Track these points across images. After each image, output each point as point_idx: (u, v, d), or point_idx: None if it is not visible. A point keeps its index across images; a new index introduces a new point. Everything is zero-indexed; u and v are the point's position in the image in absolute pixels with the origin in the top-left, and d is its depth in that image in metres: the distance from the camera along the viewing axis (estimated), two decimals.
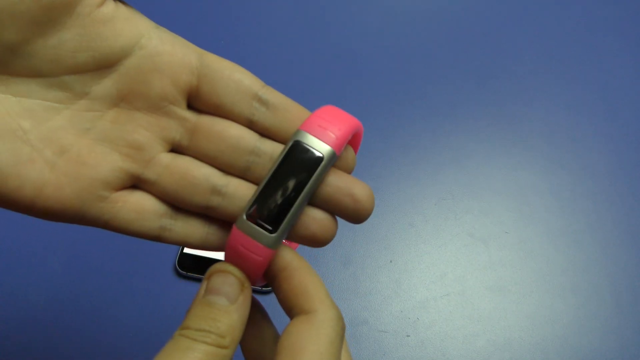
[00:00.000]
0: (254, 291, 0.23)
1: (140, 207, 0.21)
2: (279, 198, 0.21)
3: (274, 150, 0.22)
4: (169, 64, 0.21)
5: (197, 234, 0.22)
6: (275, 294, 0.22)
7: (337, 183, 0.22)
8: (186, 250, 0.42)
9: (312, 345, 0.19)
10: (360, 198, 0.21)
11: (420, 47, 0.56)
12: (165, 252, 0.43)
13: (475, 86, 0.53)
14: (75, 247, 0.43)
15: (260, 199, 0.21)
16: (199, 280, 0.41)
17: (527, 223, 0.45)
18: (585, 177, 0.48)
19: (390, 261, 0.43)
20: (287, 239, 0.22)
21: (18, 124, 0.19)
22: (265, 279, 0.22)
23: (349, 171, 0.23)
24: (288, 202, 0.20)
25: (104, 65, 0.20)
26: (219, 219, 0.22)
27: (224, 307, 0.20)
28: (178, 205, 0.22)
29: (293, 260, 0.22)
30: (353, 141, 0.24)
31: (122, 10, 0.20)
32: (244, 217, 0.21)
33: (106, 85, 0.20)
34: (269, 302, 0.25)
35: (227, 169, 0.22)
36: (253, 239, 0.20)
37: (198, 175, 0.22)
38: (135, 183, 0.22)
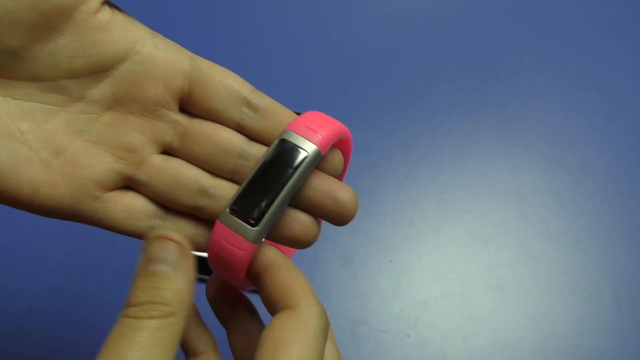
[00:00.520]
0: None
1: (131, 207, 0.22)
2: (262, 192, 0.21)
3: (261, 153, 0.23)
4: (163, 69, 0.22)
5: (184, 235, 0.22)
6: (259, 292, 0.22)
7: (321, 186, 0.22)
8: None
9: (296, 338, 0.19)
10: (344, 201, 0.22)
11: (420, 47, 0.56)
12: None
13: (475, 86, 0.53)
14: (73, 246, 0.43)
15: (245, 194, 0.21)
16: (199, 280, 0.41)
17: (527, 223, 0.45)
18: (585, 177, 0.48)
19: (390, 261, 0.43)
20: (271, 239, 0.23)
21: (16, 125, 0.20)
22: (249, 277, 0.22)
23: (334, 174, 0.23)
24: (271, 197, 0.21)
25: (99, 70, 0.21)
26: (207, 221, 0.23)
27: (165, 274, 0.19)
28: (168, 205, 0.23)
29: (276, 257, 0.22)
30: (343, 148, 0.25)
31: (119, 17, 0.21)
32: (227, 210, 0.21)
33: (102, 89, 0.21)
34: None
35: (215, 171, 0.23)
36: (235, 233, 0.21)
37: (187, 177, 0.22)
38: (128, 184, 0.23)
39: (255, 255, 0.22)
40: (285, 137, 0.22)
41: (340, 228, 0.44)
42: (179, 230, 0.23)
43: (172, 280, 0.19)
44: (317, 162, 0.22)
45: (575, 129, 0.50)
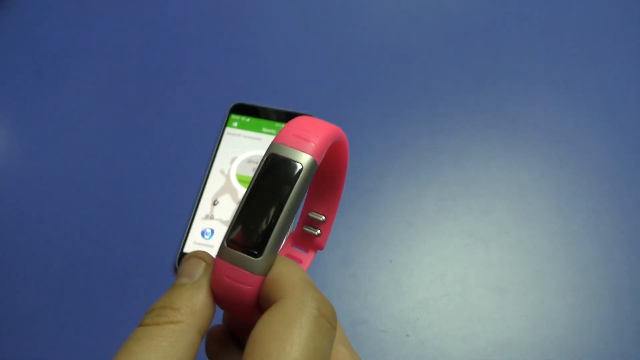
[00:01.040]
0: None
1: None
2: (260, 217, 0.19)
3: None
4: None
5: None
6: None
7: None
8: (186, 249, 0.42)
9: (274, 334, 0.16)
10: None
11: (420, 47, 0.56)
12: (165, 251, 0.43)
13: (475, 86, 0.53)
14: (74, 246, 0.43)
15: (240, 222, 0.19)
16: None
17: (527, 223, 0.45)
18: (585, 177, 0.48)
19: (390, 261, 0.43)
20: None
21: None
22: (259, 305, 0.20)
23: None
24: (271, 220, 0.19)
25: None
26: None
27: (184, 285, 0.19)
28: None
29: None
30: (339, 151, 0.23)
31: None
32: (225, 244, 0.19)
33: None
34: None
35: None
36: (238, 267, 0.19)
37: None
38: None
39: None
40: (274, 151, 0.19)
41: (340, 228, 0.44)
42: None
43: (188, 290, 0.19)
44: (314, 171, 0.20)
45: (575, 129, 0.50)
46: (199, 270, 0.20)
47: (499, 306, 0.42)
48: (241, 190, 0.46)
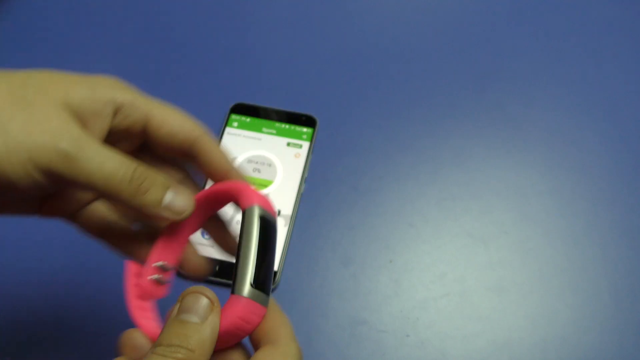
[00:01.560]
0: None
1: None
2: (268, 264, 0.24)
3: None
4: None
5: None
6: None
7: None
8: None
9: None
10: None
11: (420, 47, 0.56)
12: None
13: (475, 86, 0.53)
14: (74, 246, 0.43)
15: (258, 268, 0.23)
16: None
17: (527, 223, 0.45)
18: (585, 177, 0.48)
19: (390, 261, 0.43)
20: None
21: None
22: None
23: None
24: (272, 265, 0.25)
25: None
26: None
27: (195, 325, 0.21)
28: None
29: (271, 303, 0.25)
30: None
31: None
32: (251, 287, 0.23)
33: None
34: None
35: None
36: (259, 304, 0.23)
37: None
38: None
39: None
40: (262, 214, 0.25)
41: (340, 228, 0.44)
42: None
43: (199, 331, 0.21)
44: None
45: (575, 129, 0.50)
46: (206, 309, 0.22)
47: (499, 306, 0.42)
48: None
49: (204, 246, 0.43)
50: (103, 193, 0.24)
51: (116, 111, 0.26)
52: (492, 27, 0.57)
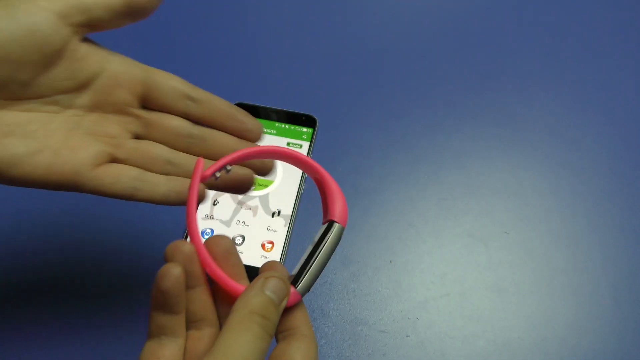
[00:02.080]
0: None
1: (117, 173, 0.30)
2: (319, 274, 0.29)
3: (204, 132, 0.32)
4: (125, 80, 0.30)
5: (159, 193, 0.30)
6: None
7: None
8: None
9: (300, 355, 0.26)
10: (265, 161, 0.33)
11: (420, 47, 0.56)
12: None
13: (476, 86, 0.53)
14: (73, 246, 0.43)
15: (316, 276, 0.28)
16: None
17: (527, 223, 0.45)
18: (586, 177, 0.48)
19: (390, 261, 0.43)
20: (216, 188, 0.31)
21: (27, 128, 0.28)
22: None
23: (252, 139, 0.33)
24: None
25: (82, 86, 0.30)
26: (175, 185, 0.31)
27: (276, 305, 0.25)
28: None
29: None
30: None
31: (91, 47, 0.30)
32: (306, 289, 0.28)
33: (84, 98, 0.30)
34: None
35: (174, 148, 0.31)
36: (299, 297, 0.28)
37: (155, 152, 0.31)
38: (112, 160, 0.30)
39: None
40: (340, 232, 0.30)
41: None
42: (155, 190, 0.30)
43: (278, 311, 0.26)
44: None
45: (576, 129, 0.50)
46: (284, 294, 0.26)
47: (499, 306, 0.42)
48: None
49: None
50: None
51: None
52: (492, 27, 0.57)
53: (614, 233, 0.45)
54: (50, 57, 0.27)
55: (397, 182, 0.47)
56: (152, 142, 0.31)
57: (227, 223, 0.44)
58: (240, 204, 0.45)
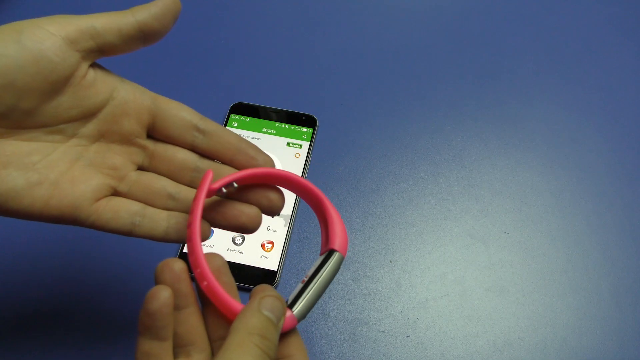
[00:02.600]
0: None
1: (116, 208, 0.29)
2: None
3: (211, 166, 0.30)
4: (133, 108, 0.29)
5: (158, 230, 0.29)
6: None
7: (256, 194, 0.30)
8: (185, 249, 0.42)
9: None
10: (273, 200, 0.30)
11: (420, 47, 0.56)
12: (164, 252, 0.43)
13: (476, 86, 0.53)
14: (73, 246, 0.43)
15: (313, 302, 0.28)
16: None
17: (527, 223, 0.45)
18: (586, 177, 0.48)
19: (390, 261, 0.43)
20: (217, 226, 0.30)
21: (28, 159, 0.27)
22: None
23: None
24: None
25: (88, 115, 0.28)
26: (176, 222, 0.30)
27: (275, 324, 0.25)
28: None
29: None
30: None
31: (99, 73, 0.28)
32: (302, 315, 0.27)
33: (89, 127, 0.28)
34: None
35: (178, 181, 0.30)
36: (296, 322, 0.27)
37: (158, 185, 0.30)
38: (114, 193, 0.29)
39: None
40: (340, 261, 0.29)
41: None
42: (154, 227, 0.29)
43: (277, 331, 0.25)
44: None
45: (576, 129, 0.50)
46: (281, 314, 0.26)
47: (499, 306, 0.42)
48: None
49: (203, 245, 0.43)
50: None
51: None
52: (492, 26, 0.57)
53: (614, 233, 0.45)
54: (57, 84, 0.26)
55: (397, 182, 0.47)
56: (155, 174, 0.30)
57: None
58: None
